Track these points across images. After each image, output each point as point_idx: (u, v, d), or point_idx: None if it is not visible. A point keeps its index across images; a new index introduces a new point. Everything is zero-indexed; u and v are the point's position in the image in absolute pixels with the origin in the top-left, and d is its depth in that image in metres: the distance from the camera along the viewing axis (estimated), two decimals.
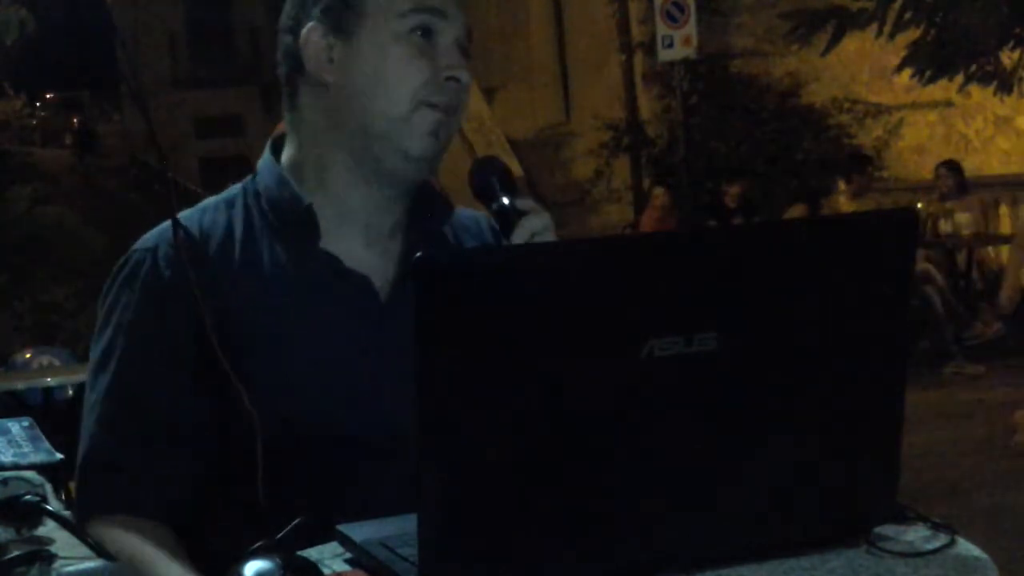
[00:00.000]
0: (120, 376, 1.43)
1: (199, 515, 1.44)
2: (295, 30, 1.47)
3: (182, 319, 1.40)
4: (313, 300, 1.44)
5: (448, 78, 1.43)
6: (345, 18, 1.44)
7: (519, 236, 1.39)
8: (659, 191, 9.59)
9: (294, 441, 1.37)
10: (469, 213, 1.62)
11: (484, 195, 1.43)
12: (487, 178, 1.44)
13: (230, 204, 1.50)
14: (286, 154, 1.52)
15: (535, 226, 1.39)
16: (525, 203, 1.42)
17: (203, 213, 1.49)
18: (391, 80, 1.42)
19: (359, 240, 1.48)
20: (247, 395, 1.32)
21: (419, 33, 1.43)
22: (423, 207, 1.54)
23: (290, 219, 1.47)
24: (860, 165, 8.77)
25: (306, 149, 1.50)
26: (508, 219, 1.41)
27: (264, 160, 1.54)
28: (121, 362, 1.43)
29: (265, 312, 1.42)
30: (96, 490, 1.41)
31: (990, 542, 1.19)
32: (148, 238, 1.47)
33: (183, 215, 1.48)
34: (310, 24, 1.45)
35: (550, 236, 1.40)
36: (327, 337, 1.43)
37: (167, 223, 1.46)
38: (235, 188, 1.54)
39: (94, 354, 1.46)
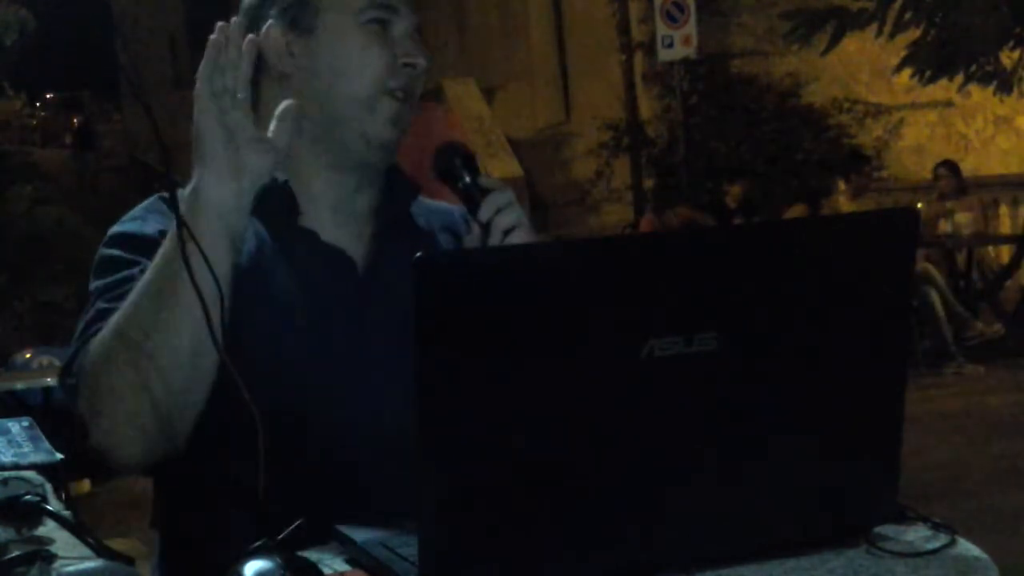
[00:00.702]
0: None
1: (199, 515, 1.44)
2: (254, 30, 1.50)
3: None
4: (295, 274, 1.47)
5: (405, 64, 1.49)
6: (302, 15, 1.50)
7: (485, 212, 1.43)
8: (683, 210, 9.48)
9: (295, 435, 1.37)
10: (440, 205, 1.67)
11: (448, 176, 1.48)
12: (450, 159, 1.48)
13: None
14: None
15: (499, 201, 1.44)
16: (488, 181, 1.47)
17: (148, 211, 1.51)
18: (353, 66, 1.49)
19: (329, 221, 1.52)
20: (243, 382, 1.32)
21: (375, 24, 1.49)
22: (391, 190, 1.58)
23: (268, 197, 1.49)
24: (858, 164, 8.78)
25: None
26: (473, 197, 1.45)
27: None
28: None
29: (248, 284, 1.43)
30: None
31: (990, 542, 1.19)
32: (136, 210, 1.52)
33: (147, 201, 1.53)
34: (269, 23, 1.51)
35: (516, 209, 1.44)
36: (310, 308, 1.45)
37: (148, 202, 1.52)
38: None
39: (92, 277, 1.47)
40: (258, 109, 1.53)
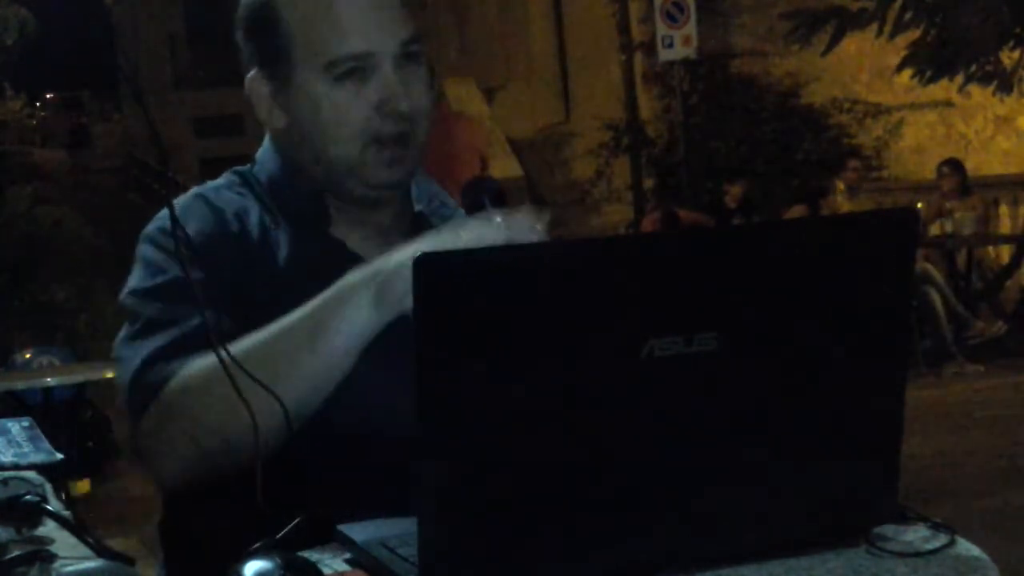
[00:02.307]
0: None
1: (199, 515, 1.44)
2: (245, 76, 1.51)
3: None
4: (322, 286, 1.45)
5: (394, 110, 1.44)
6: (278, 68, 1.46)
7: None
8: (685, 212, 9.48)
9: (295, 434, 1.37)
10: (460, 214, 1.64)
11: (476, 211, 1.46)
12: (478, 195, 1.47)
13: (235, 186, 1.52)
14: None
15: (531, 237, 1.40)
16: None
17: (209, 192, 1.50)
18: (333, 125, 1.44)
19: (355, 231, 1.51)
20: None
21: (348, 78, 1.43)
22: (428, 204, 1.57)
23: (300, 204, 1.50)
24: (843, 161, 8.82)
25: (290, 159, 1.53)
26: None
27: (265, 149, 1.56)
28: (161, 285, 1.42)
29: (276, 293, 1.42)
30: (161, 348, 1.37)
31: (990, 542, 1.19)
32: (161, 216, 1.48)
33: (184, 199, 1.49)
34: (252, 72, 1.49)
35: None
36: None
37: (184, 199, 1.48)
38: (229, 175, 1.55)
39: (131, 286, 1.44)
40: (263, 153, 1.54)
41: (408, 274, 1.15)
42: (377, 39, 1.44)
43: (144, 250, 1.46)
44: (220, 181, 1.54)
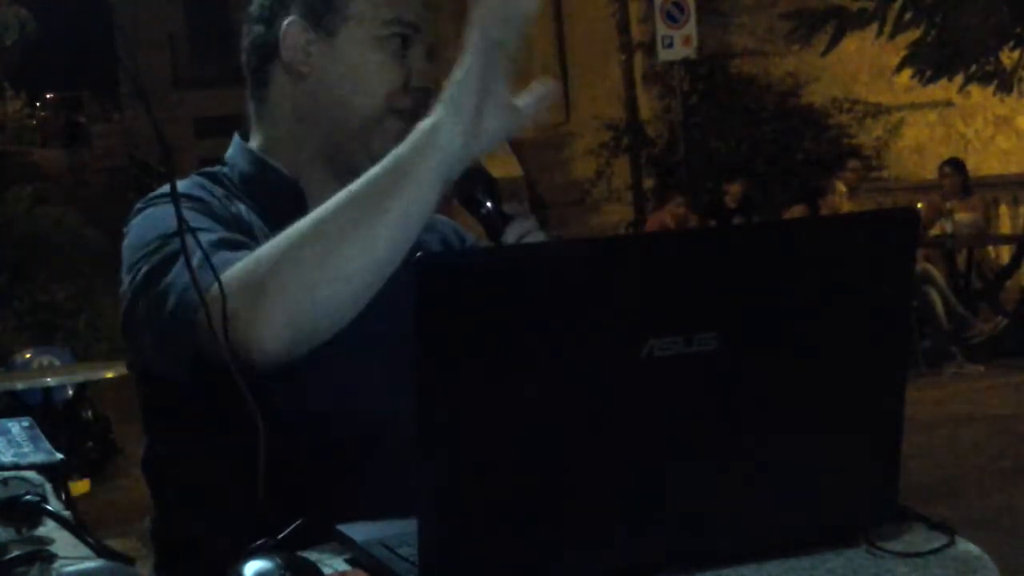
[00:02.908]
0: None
1: (199, 515, 1.44)
2: (270, 21, 1.51)
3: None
4: None
5: (417, 88, 1.50)
6: (327, 18, 1.49)
7: (511, 236, 1.44)
8: (680, 200, 9.49)
9: (295, 434, 1.37)
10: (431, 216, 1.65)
11: (470, 202, 1.48)
12: (472, 186, 1.48)
13: (209, 186, 1.51)
14: (255, 141, 1.56)
15: (525, 227, 1.45)
16: (511, 207, 1.47)
17: (190, 187, 1.48)
18: (368, 80, 1.49)
19: None
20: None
21: (396, 39, 1.49)
22: None
23: (276, 197, 1.50)
24: (844, 161, 8.82)
25: (277, 140, 1.54)
26: (495, 223, 1.46)
27: (235, 148, 1.57)
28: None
29: None
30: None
31: (990, 542, 1.19)
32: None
33: (181, 184, 1.47)
34: (290, 18, 1.50)
35: (540, 236, 1.45)
36: None
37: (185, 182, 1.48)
38: (196, 177, 1.54)
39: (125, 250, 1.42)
40: (267, 95, 1.53)
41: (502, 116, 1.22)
42: (422, 19, 1.52)
43: (141, 218, 1.43)
44: (189, 181, 1.52)
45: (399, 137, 1.47)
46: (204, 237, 1.31)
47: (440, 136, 1.29)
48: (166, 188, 1.40)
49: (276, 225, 1.46)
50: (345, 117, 1.49)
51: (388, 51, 1.49)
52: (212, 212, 1.43)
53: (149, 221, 1.43)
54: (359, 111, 1.49)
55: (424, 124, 1.31)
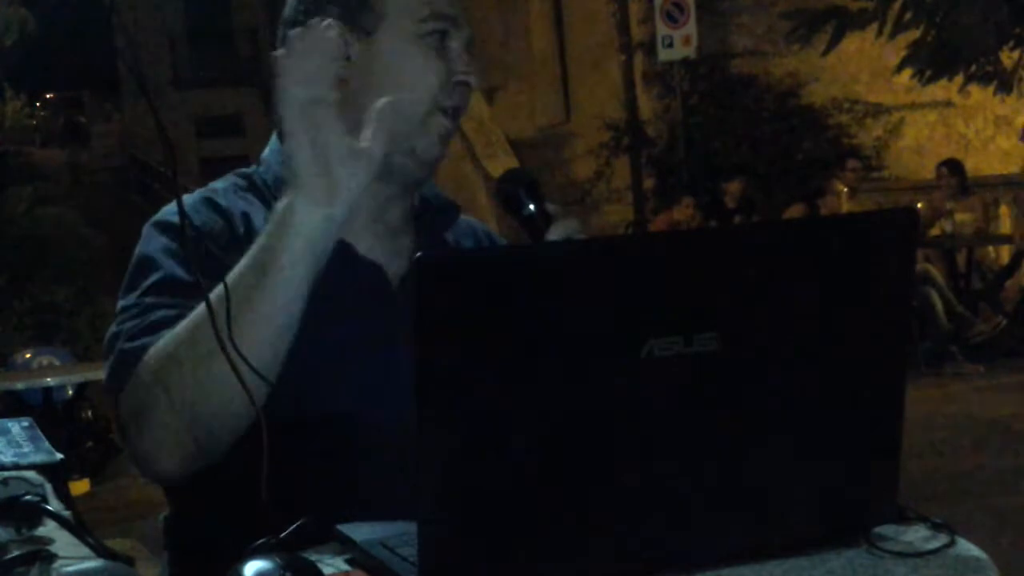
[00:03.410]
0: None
1: (199, 515, 1.44)
2: (306, 23, 1.47)
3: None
4: (326, 286, 1.44)
5: (459, 82, 1.47)
6: (364, 17, 1.46)
7: (555, 236, 1.44)
8: (689, 201, 9.47)
9: (300, 436, 1.37)
10: (466, 220, 1.65)
11: (511, 203, 1.47)
12: (514, 187, 1.47)
13: (239, 189, 1.51)
14: None
15: (569, 227, 1.44)
16: (553, 208, 1.47)
17: (216, 194, 1.49)
18: (411, 81, 1.45)
19: (368, 232, 1.50)
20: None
21: (435, 36, 1.46)
22: (431, 207, 1.57)
23: None
24: (843, 161, 8.82)
25: None
26: (537, 225, 1.45)
27: (272, 149, 1.54)
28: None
29: None
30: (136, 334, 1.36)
31: (990, 542, 1.19)
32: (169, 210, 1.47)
33: (191, 199, 1.48)
34: (327, 20, 1.46)
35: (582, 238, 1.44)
36: (339, 322, 1.43)
37: (191, 198, 1.47)
38: (232, 178, 1.54)
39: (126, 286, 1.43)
40: None
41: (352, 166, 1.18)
42: (459, 10, 1.49)
43: (142, 248, 1.45)
44: (223, 183, 1.53)
45: (444, 136, 1.47)
46: (129, 325, 1.35)
47: (295, 218, 1.27)
48: (174, 207, 1.39)
49: None
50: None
51: (428, 50, 1.46)
52: (186, 254, 1.39)
53: (139, 262, 1.43)
54: (404, 112, 1.43)
55: (277, 207, 1.29)
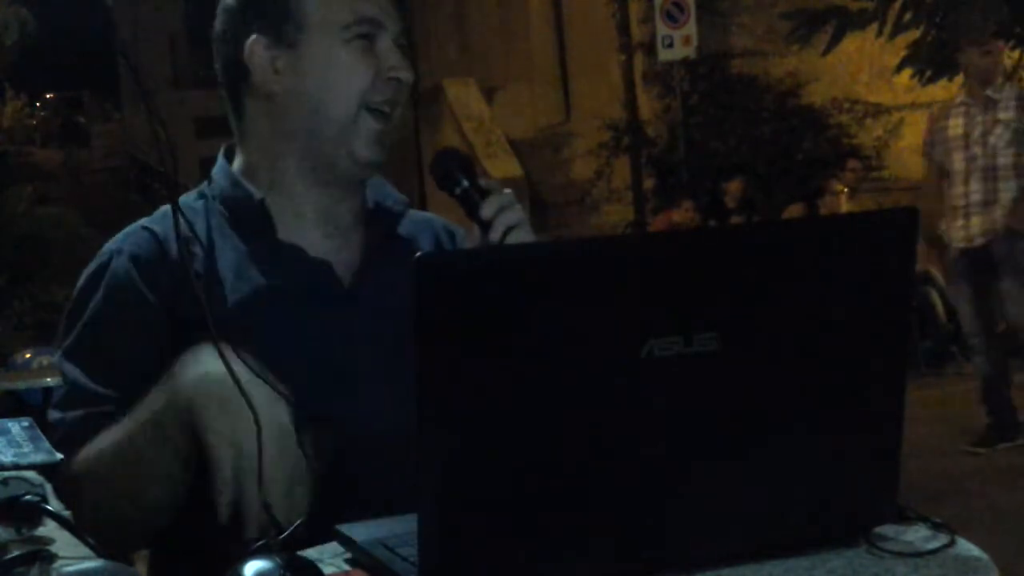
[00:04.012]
0: (92, 355, 1.46)
1: (199, 514, 1.44)
2: (234, 41, 1.51)
3: (145, 318, 1.44)
4: (276, 289, 1.48)
5: (390, 78, 1.49)
6: (286, 29, 1.48)
7: (488, 209, 1.44)
8: (689, 204, 9.48)
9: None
10: (422, 215, 1.68)
11: (445, 182, 1.48)
12: (447, 165, 1.48)
13: (189, 209, 1.54)
14: (238, 160, 1.58)
15: (502, 200, 1.44)
16: (488, 183, 1.47)
17: (165, 217, 1.52)
18: (338, 85, 1.48)
19: (318, 232, 1.53)
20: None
21: (360, 40, 1.48)
22: (381, 201, 1.60)
23: (245, 215, 1.52)
24: (843, 161, 8.82)
25: (256, 155, 1.55)
26: (472, 200, 1.45)
27: (218, 166, 1.59)
28: (89, 346, 1.46)
29: (232, 304, 1.45)
30: (75, 425, 1.42)
31: (990, 542, 1.19)
32: (115, 240, 1.52)
33: (147, 221, 1.53)
34: (252, 37, 1.49)
35: (518, 210, 1.45)
36: (293, 324, 1.46)
37: (134, 226, 1.53)
38: (191, 195, 1.58)
39: (64, 343, 1.48)
40: (243, 115, 1.55)
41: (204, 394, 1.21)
42: (384, 12, 1.50)
43: (85, 299, 1.49)
44: (168, 208, 1.54)
45: (379, 137, 1.49)
46: (65, 414, 1.43)
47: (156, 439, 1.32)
48: (100, 258, 1.49)
49: (245, 239, 1.50)
50: (320, 125, 1.48)
51: (353, 54, 1.48)
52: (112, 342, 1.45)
53: (81, 319, 1.48)
54: (333, 115, 1.48)
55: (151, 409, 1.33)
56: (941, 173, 5.91)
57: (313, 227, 1.53)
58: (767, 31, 12.13)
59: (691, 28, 10.82)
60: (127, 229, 1.53)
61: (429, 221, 1.67)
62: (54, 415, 1.44)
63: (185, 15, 25.26)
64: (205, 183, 1.59)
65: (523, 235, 1.43)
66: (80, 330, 1.47)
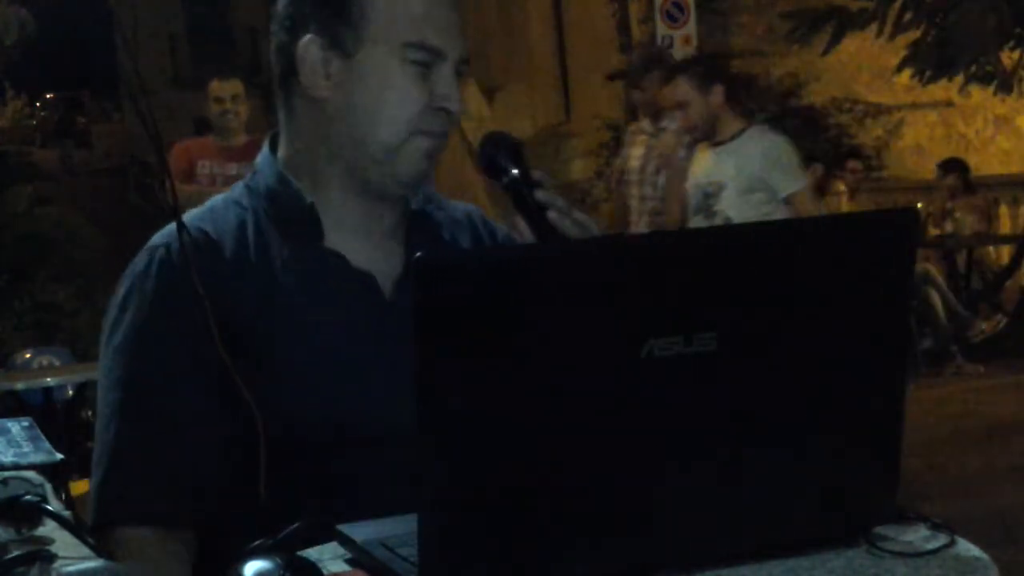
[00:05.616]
0: (138, 386, 1.42)
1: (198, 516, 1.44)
2: (292, 31, 1.47)
3: (193, 320, 1.37)
4: (319, 297, 1.45)
5: (439, 108, 1.45)
6: (344, 36, 1.43)
7: (542, 195, 1.37)
8: None
9: (297, 441, 1.37)
10: (460, 207, 1.63)
11: (491, 171, 1.41)
12: (493, 154, 1.41)
13: (238, 203, 1.51)
14: (282, 151, 1.53)
15: (551, 197, 1.38)
16: (540, 175, 1.40)
17: (213, 212, 1.50)
18: (389, 109, 1.43)
19: (360, 240, 1.49)
20: (249, 392, 1.32)
21: (418, 66, 1.43)
22: (423, 204, 1.56)
23: (293, 217, 1.48)
24: (842, 160, 8.83)
25: (301, 152, 1.51)
26: (520, 192, 1.38)
27: (263, 157, 1.54)
28: (137, 371, 1.42)
29: (276, 309, 1.43)
30: (119, 498, 1.40)
31: (990, 542, 1.19)
32: (160, 236, 1.47)
33: (193, 214, 1.49)
34: (308, 36, 1.45)
35: (563, 209, 1.38)
36: (333, 333, 1.44)
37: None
38: (239, 186, 1.54)
39: (107, 358, 1.44)
40: (292, 107, 1.50)
41: None
42: (448, 41, 1.45)
43: (113, 347, 1.45)
44: (222, 199, 1.53)
45: (427, 155, 1.45)
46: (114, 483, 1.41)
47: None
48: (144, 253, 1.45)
49: (291, 242, 1.46)
50: (366, 144, 1.44)
51: (409, 78, 1.43)
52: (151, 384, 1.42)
53: (117, 373, 1.44)
54: (381, 139, 1.43)
55: None
56: None
57: (353, 235, 1.49)
58: (767, 31, 12.13)
59: (691, 28, 10.80)
60: (170, 227, 1.46)
61: (469, 217, 1.62)
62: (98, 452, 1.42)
63: (185, 15, 25.26)
64: (249, 174, 1.55)
65: (583, 218, 1.38)
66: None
